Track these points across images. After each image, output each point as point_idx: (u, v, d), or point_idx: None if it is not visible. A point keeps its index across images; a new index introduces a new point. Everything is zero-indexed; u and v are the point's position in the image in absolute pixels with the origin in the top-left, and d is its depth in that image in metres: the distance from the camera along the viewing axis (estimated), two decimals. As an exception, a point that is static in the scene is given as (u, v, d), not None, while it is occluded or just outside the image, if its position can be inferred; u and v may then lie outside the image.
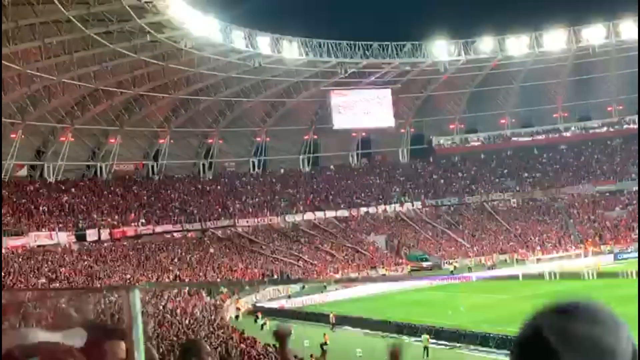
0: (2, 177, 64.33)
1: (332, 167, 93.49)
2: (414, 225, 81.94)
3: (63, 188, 70.20)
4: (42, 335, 2.77)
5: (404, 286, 59.91)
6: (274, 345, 32.44)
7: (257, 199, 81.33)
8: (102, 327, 3.12)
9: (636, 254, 66.49)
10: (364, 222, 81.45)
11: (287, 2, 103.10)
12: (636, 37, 75.54)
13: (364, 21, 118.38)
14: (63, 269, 53.41)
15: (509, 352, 1.63)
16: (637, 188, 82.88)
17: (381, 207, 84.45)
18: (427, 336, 35.20)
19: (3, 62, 50.17)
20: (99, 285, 48.26)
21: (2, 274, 45.83)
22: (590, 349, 1.50)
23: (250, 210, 78.60)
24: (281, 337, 4.14)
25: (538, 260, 68.95)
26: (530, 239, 77.32)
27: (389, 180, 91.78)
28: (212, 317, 44.05)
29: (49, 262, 54.30)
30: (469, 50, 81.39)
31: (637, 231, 74.30)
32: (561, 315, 1.54)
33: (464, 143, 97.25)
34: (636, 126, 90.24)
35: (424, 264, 70.61)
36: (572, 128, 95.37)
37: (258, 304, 55.34)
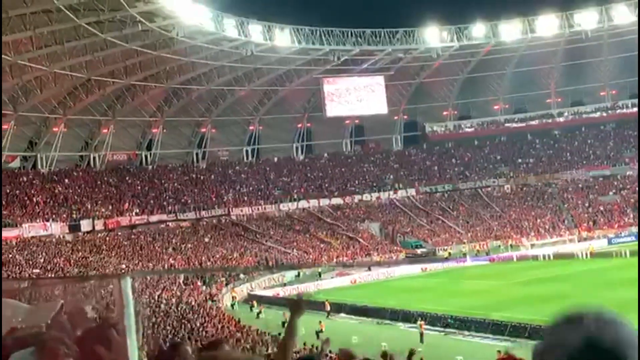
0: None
1: (325, 154, 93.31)
2: (408, 212, 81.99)
3: (56, 179, 69.97)
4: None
5: (399, 273, 60.18)
6: (268, 333, 32.46)
7: (251, 188, 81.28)
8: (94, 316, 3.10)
9: (630, 239, 66.89)
10: (358, 210, 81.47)
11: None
12: (628, 21, 75.56)
13: (356, 8, 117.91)
14: (57, 259, 53.35)
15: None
16: (630, 172, 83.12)
17: (375, 195, 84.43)
18: (422, 322, 35.33)
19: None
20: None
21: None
22: None
23: (245, 199, 78.58)
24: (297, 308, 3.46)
25: (532, 245, 69.12)
26: (524, 224, 77.45)
27: (383, 167, 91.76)
28: (208, 306, 44.15)
29: (44, 253, 54.22)
30: (461, 37, 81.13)
31: (631, 216, 74.58)
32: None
33: (457, 129, 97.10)
34: (629, 111, 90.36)
35: (418, 251, 70.80)
36: (566, 113, 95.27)
37: (253, 293, 55.42)
